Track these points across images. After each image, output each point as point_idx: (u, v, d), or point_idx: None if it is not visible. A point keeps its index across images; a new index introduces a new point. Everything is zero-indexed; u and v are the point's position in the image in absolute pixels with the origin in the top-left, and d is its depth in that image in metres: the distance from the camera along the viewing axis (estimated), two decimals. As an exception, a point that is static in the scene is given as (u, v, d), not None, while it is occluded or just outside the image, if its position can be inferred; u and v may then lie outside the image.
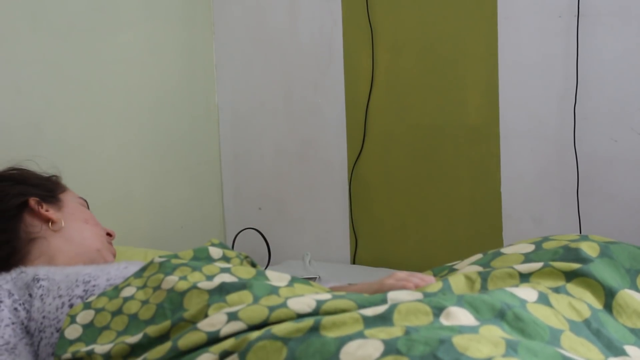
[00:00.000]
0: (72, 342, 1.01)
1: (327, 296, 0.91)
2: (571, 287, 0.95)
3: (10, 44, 1.64)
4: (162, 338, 0.95)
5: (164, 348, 0.89)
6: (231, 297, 0.97)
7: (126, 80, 1.96)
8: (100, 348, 0.97)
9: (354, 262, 2.12)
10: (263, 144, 2.25)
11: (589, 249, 1.02)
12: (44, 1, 1.72)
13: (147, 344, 0.95)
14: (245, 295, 0.97)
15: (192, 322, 0.94)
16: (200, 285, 1.02)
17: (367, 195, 2.09)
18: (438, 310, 0.81)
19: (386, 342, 0.71)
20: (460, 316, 0.80)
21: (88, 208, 1.45)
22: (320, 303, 0.88)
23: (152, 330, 0.96)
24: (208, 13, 2.26)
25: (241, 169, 2.29)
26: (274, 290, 1.00)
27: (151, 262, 1.14)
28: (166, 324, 0.95)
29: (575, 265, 0.97)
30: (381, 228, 2.07)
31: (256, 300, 0.97)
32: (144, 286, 1.08)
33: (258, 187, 2.28)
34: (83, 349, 0.99)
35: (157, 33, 2.06)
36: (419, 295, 0.89)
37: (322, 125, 2.13)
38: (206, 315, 0.94)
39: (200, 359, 0.84)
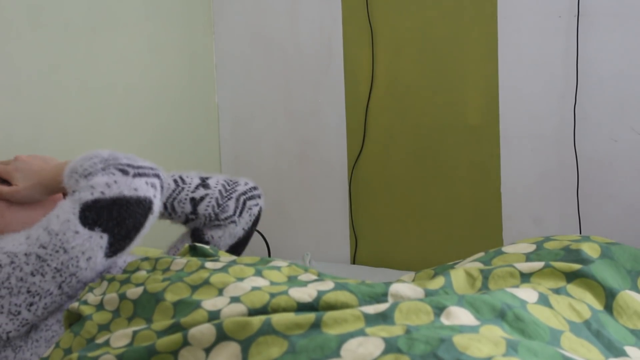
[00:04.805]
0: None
1: (329, 286, 0.92)
2: (572, 288, 0.94)
3: (10, 44, 1.64)
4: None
5: (168, 322, 0.91)
6: (233, 269, 1.01)
7: (126, 81, 1.96)
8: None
9: (354, 262, 2.12)
10: (263, 144, 2.25)
11: (590, 249, 1.01)
12: (44, 1, 1.72)
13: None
14: (248, 269, 1.02)
15: (190, 284, 0.98)
16: (207, 265, 1.06)
17: (367, 195, 2.09)
18: (439, 310, 0.81)
19: (387, 341, 0.72)
20: (460, 316, 0.80)
21: None
22: (321, 293, 0.89)
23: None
24: (208, 13, 2.26)
25: (241, 169, 2.29)
26: (276, 268, 1.05)
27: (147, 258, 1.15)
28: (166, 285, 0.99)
29: (576, 266, 0.97)
30: (381, 228, 2.07)
31: (258, 272, 1.01)
32: (153, 269, 1.11)
33: (258, 187, 2.28)
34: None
35: (157, 33, 2.06)
36: (420, 291, 0.90)
37: (322, 125, 2.13)
38: (207, 282, 0.97)
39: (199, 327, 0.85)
